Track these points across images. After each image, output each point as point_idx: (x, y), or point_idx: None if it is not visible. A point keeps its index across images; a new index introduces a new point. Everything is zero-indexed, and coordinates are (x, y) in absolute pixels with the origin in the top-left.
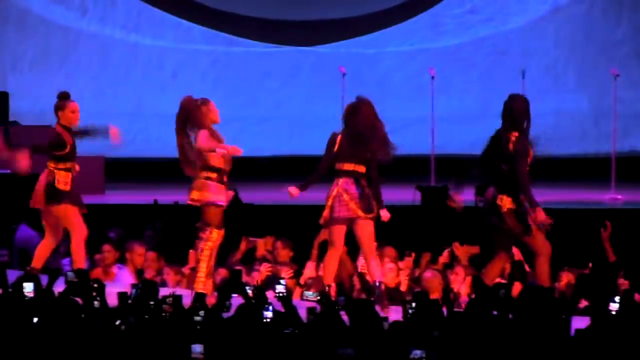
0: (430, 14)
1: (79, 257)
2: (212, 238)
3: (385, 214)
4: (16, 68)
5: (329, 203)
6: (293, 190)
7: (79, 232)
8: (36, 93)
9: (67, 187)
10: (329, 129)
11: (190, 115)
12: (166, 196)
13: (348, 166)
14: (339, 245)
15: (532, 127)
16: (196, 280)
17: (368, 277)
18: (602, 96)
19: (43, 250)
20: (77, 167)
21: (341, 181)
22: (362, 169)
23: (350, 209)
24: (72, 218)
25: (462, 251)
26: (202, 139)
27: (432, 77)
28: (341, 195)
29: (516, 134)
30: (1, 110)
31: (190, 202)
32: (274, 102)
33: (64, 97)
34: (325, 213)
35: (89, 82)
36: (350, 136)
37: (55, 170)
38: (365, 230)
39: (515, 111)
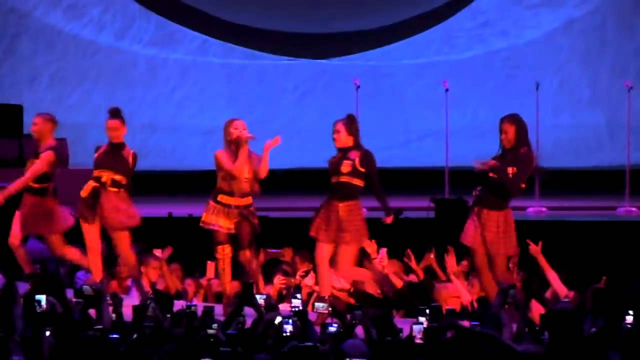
0: (443, 27)
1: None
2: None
3: None
4: (32, 82)
5: None
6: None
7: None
8: (51, 107)
9: None
10: None
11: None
12: (181, 209)
13: None
14: None
15: (548, 139)
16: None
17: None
18: (616, 108)
19: None
20: None
21: None
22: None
23: None
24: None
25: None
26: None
27: (446, 90)
28: None
29: None
30: (16, 123)
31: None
32: (289, 114)
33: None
34: None
35: (104, 97)
36: None
37: None
38: None
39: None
